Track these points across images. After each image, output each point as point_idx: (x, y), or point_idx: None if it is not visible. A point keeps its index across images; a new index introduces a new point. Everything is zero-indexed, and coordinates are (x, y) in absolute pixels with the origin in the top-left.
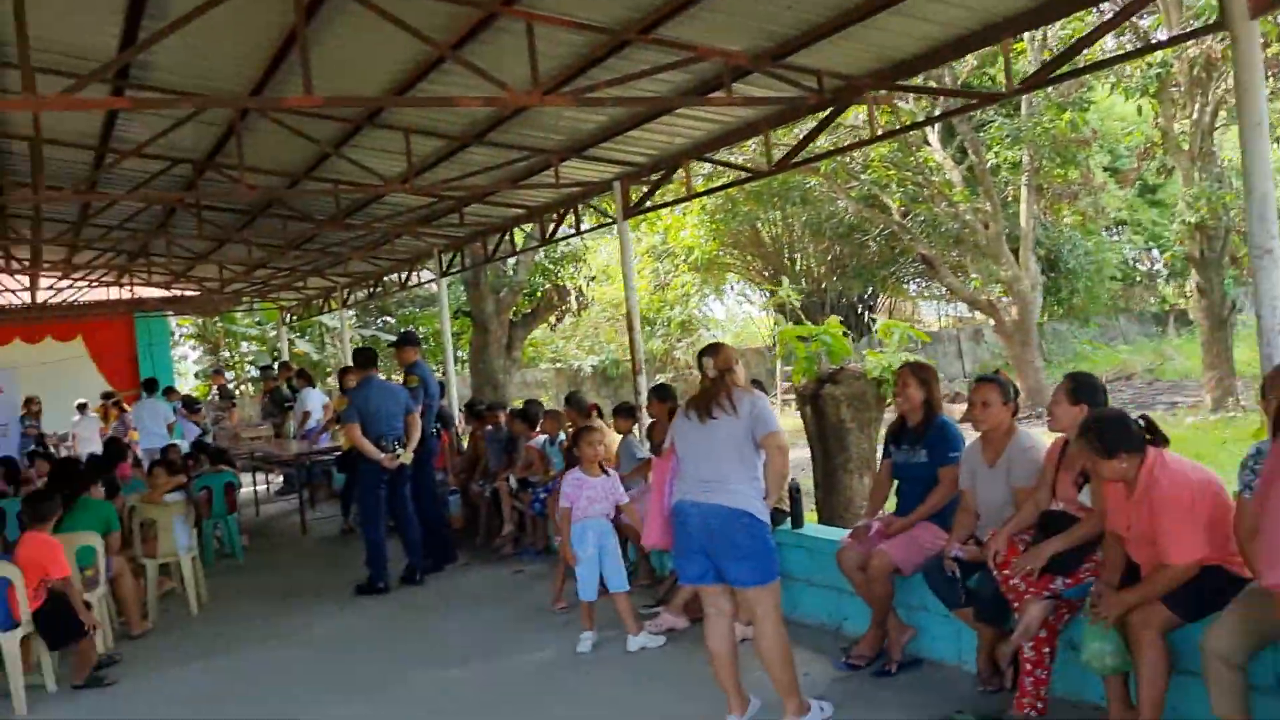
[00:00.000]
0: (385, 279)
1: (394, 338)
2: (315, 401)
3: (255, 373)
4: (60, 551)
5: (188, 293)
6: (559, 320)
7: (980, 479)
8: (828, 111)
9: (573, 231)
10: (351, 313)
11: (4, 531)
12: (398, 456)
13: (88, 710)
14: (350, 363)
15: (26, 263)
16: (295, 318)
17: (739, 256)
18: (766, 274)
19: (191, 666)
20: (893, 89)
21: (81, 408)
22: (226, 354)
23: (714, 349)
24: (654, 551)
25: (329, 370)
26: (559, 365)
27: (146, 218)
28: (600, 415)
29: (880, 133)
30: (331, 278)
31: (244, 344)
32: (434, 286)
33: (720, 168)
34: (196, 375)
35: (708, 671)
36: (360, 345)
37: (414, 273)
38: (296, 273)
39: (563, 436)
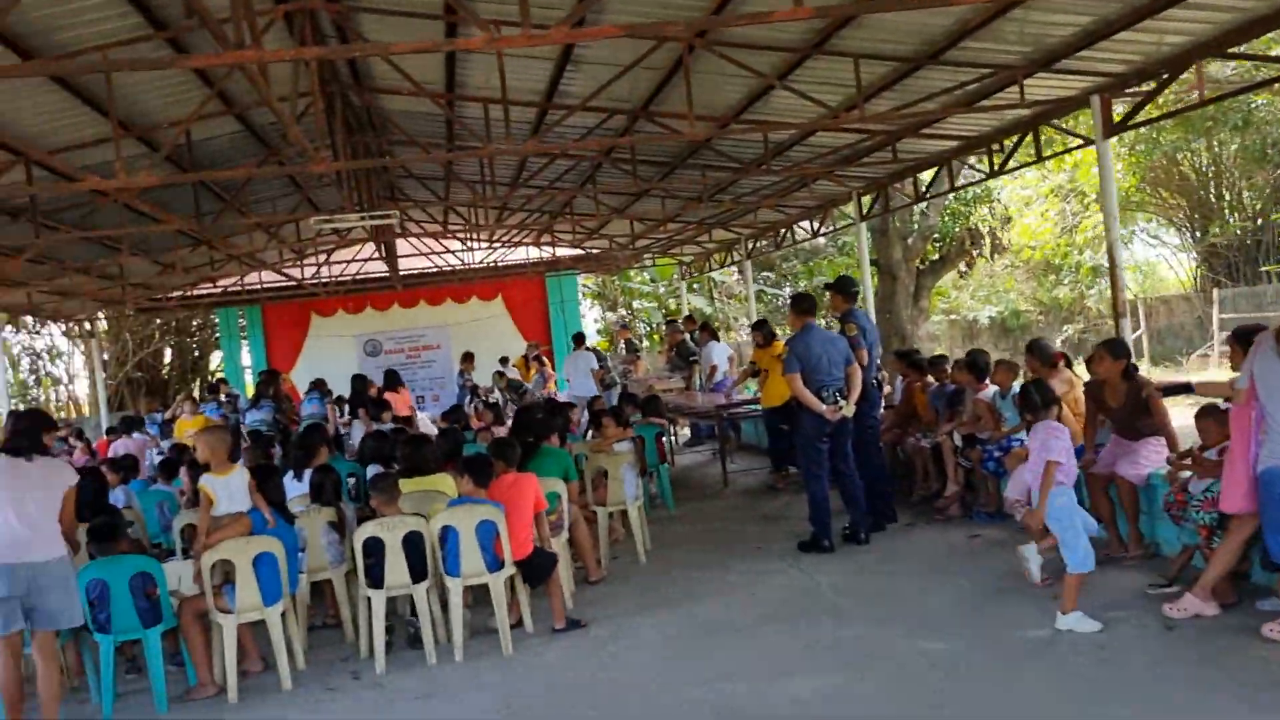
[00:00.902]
0: (787, 229)
1: (777, 291)
2: (721, 354)
3: (644, 328)
4: (536, 483)
5: (595, 251)
6: (969, 267)
7: None
8: None
9: (1029, 161)
10: (745, 266)
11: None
12: (840, 408)
13: (572, 653)
14: (750, 320)
15: (461, 227)
16: (694, 273)
17: (1153, 194)
18: (1187, 212)
19: (656, 614)
20: None
21: (503, 361)
22: (622, 311)
23: None
24: (1147, 517)
25: (716, 324)
26: (952, 317)
27: (573, 176)
28: (1069, 364)
29: None
30: (735, 230)
31: (635, 301)
32: (821, 240)
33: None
34: (599, 331)
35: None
36: (797, 293)
37: (825, 219)
38: (702, 226)
39: (1015, 388)
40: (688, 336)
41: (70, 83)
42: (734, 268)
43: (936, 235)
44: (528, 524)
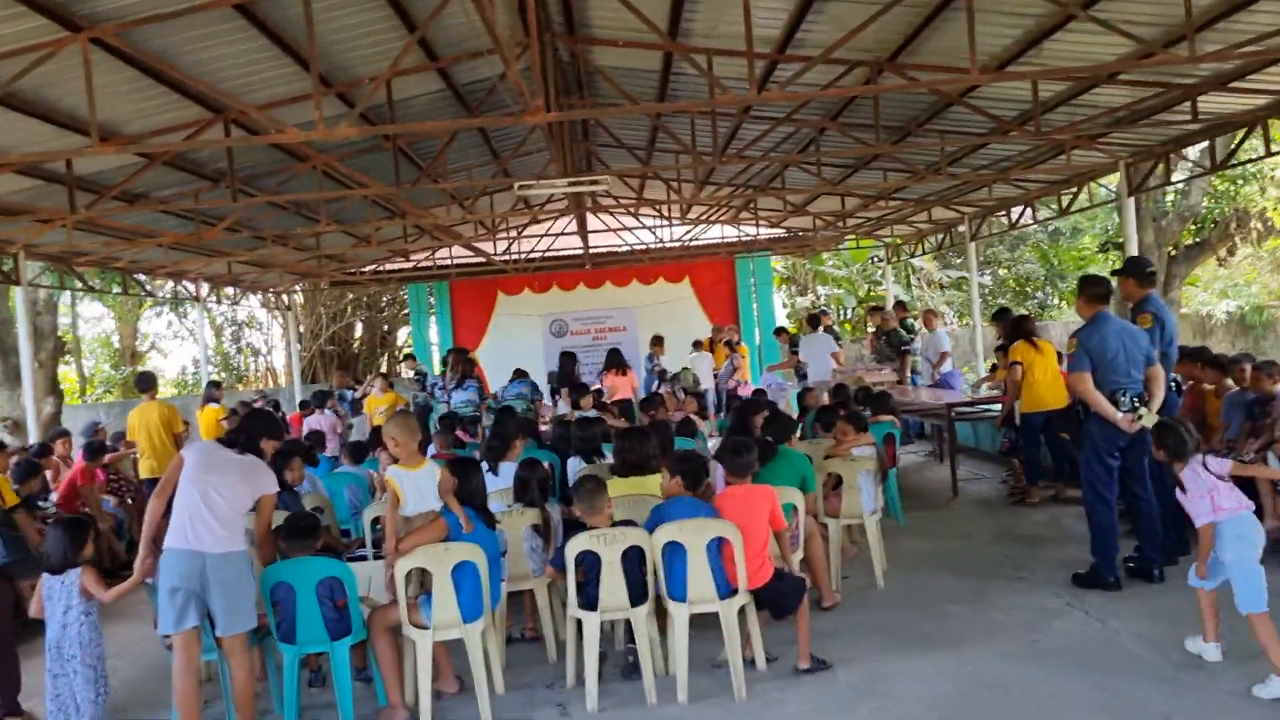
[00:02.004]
0: (1028, 205)
1: (981, 280)
2: (948, 343)
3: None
4: (775, 498)
5: (796, 232)
6: (1229, 254)
7: None
8: None
9: None
10: (970, 249)
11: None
12: (1139, 418)
13: (820, 702)
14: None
15: (660, 199)
16: (897, 256)
17: None
18: None
19: (914, 659)
20: None
21: (697, 345)
22: (812, 296)
23: None
24: None
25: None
26: (1183, 310)
27: (789, 145)
28: None
29: None
30: (955, 208)
31: (822, 287)
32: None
33: None
34: (788, 317)
35: None
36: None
37: (1079, 193)
38: (922, 203)
39: None
40: (899, 324)
41: (269, 27)
42: (931, 254)
43: (1197, 218)
44: (764, 544)
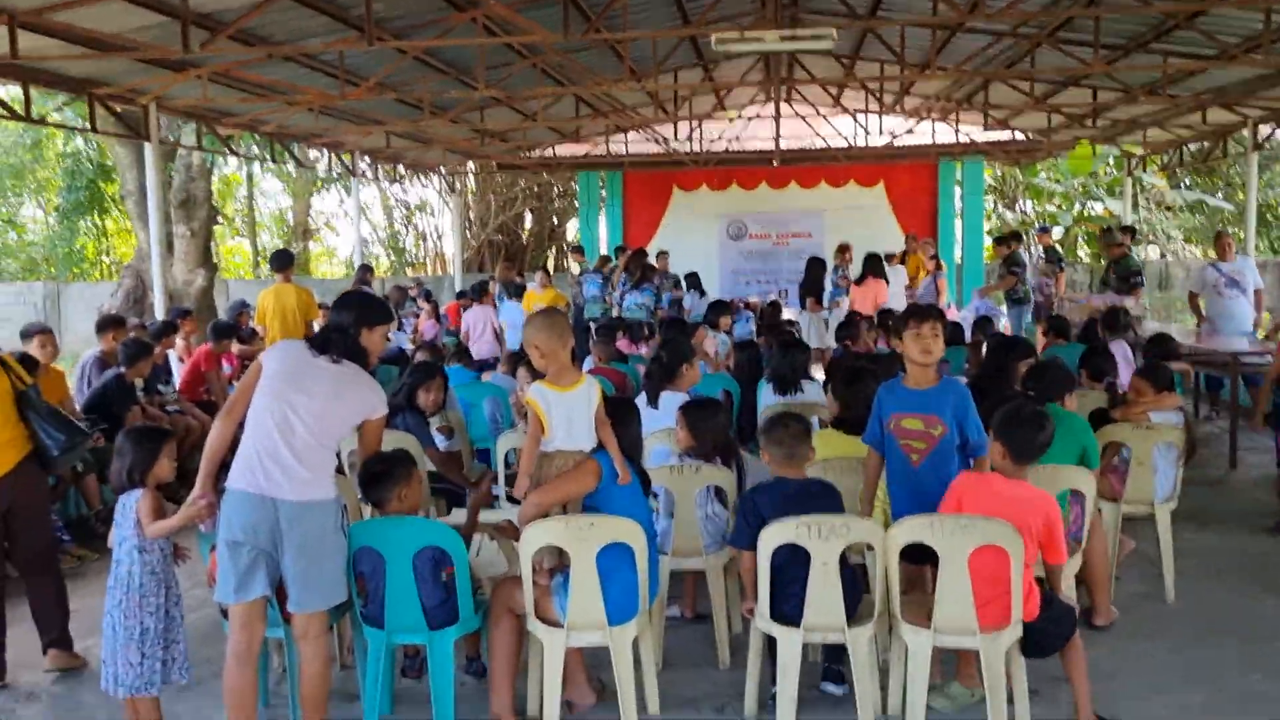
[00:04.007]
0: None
1: (1222, 204)
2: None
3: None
4: (1053, 504)
5: (1025, 133)
6: None
7: None
8: None
9: None
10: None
11: None
12: None
13: None
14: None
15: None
16: (1138, 167)
17: None
18: None
19: None
20: None
21: (887, 259)
22: (1020, 212)
23: None
24: None
25: (1143, 240)
26: None
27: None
28: None
29: None
30: (1239, 110)
31: (1027, 202)
32: None
33: None
34: (989, 233)
35: None
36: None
37: None
38: (1197, 99)
39: None
40: (1132, 251)
41: None
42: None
43: None
44: (1031, 562)
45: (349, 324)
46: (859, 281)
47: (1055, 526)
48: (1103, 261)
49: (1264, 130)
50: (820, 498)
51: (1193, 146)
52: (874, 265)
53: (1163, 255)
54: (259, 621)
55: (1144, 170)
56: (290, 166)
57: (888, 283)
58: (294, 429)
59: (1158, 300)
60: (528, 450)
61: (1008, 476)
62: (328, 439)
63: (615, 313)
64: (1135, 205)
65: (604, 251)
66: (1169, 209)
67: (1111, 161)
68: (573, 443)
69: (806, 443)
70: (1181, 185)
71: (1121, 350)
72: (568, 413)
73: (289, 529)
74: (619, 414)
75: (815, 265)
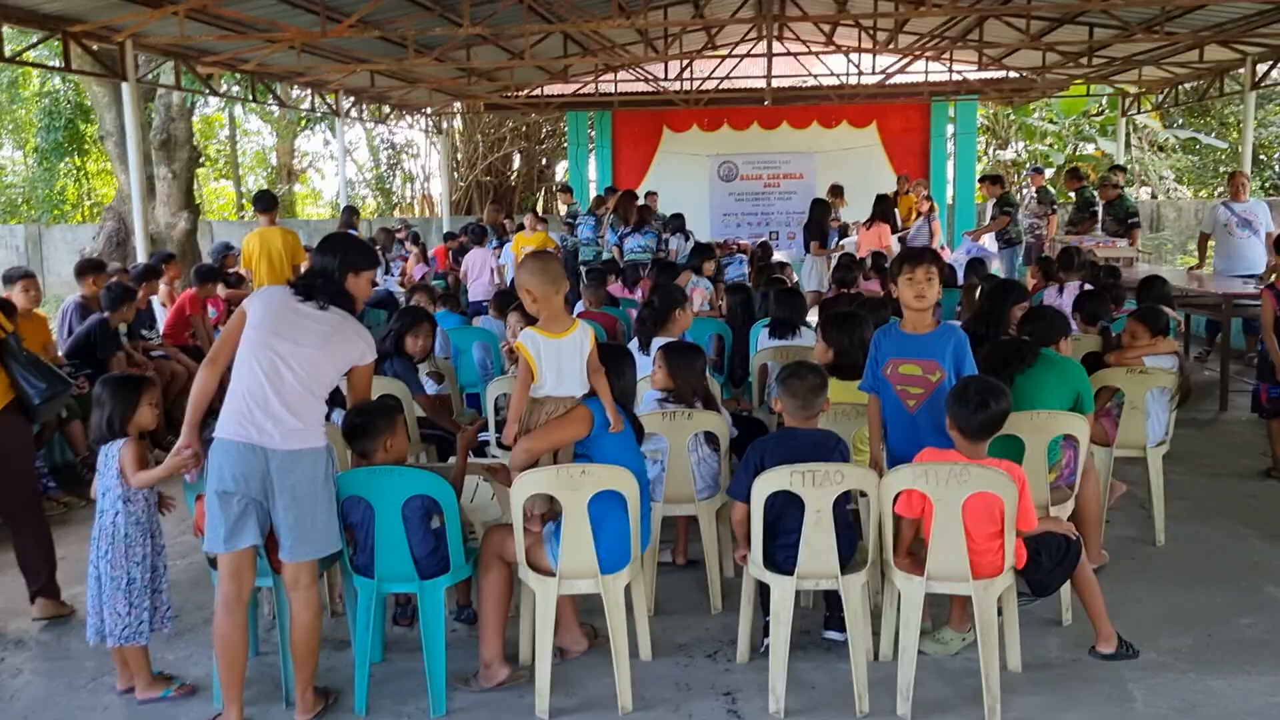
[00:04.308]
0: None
1: (1216, 143)
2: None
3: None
4: (1025, 487)
5: (1019, 73)
6: None
7: None
8: None
9: None
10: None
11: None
12: None
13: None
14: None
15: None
16: (1131, 106)
17: None
18: None
19: (1239, 677)
20: None
21: (882, 200)
22: (1012, 153)
23: None
24: None
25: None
26: None
27: None
28: None
29: None
30: (1238, 47)
31: (1018, 142)
32: None
33: None
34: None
35: None
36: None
37: None
38: (1195, 36)
39: None
40: (1125, 191)
41: None
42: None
43: None
44: (1028, 504)
45: (334, 269)
46: (868, 224)
47: (1024, 497)
48: (1071, 196)
49: (1262, 68)
50: (828, 450)
51: (1188, 85)
52: (883, 207)
53: (1154, 196)
54: (248, 570)
55: (1138, 110)
56: (273, 106)
57: (894, 227)
58: (283, 378)
59: (1149, 241)
60: (517, 396)
61: (965, 455)
62: (318, 387)
63: (608, 255)
64: (1128, 145)
65: (595, 193)
66: (1161, 149)
67: (1105, 101)
68: (563, 389)
69: (822, 395)
70: (1174, 124)
71: (1071, 292)
72: (558, 359)
73: (280, 479)
74: (613, 361)
75: (818, 207)
